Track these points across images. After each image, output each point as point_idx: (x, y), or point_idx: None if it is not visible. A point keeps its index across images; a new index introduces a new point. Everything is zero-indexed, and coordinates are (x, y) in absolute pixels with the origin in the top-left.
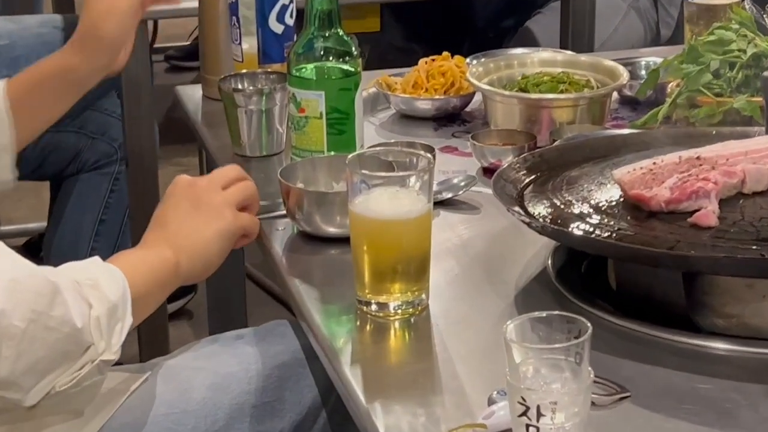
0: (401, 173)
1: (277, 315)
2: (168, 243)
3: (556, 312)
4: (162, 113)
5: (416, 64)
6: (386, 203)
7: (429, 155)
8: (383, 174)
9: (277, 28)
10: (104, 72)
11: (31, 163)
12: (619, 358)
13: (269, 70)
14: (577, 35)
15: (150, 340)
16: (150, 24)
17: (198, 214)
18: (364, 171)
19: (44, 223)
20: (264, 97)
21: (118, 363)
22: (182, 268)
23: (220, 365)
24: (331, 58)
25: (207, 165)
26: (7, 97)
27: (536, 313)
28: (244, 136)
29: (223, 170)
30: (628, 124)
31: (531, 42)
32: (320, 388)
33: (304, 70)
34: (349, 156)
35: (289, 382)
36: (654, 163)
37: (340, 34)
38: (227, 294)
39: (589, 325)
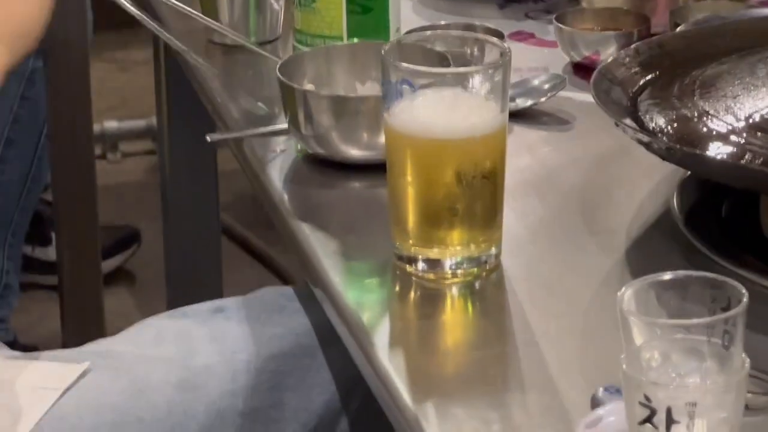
0: (461, 69)
1: (261, 284)
2: None
3: (695, 272)
4: None
5: None
6: (440, 113)
7: (502, 44)
8: (436, 70)
9: None
10: None
11: None
12: None
13: None
14: None
15: (77, 311)
16: None
17: None
18: (407, 65)
19: None
20: None
21: (33, 348)
22: None
23: (191, 353)
24: None
25: (165, 61)
26: None
27: (666, 275)
28: (224, 14)
29: None
30: None
31: None
32: (338, 385)
33: None
34: (386, 45)
35: (292, 378)
36: None
37: None
38: (194, 254)
39: (744, 291)
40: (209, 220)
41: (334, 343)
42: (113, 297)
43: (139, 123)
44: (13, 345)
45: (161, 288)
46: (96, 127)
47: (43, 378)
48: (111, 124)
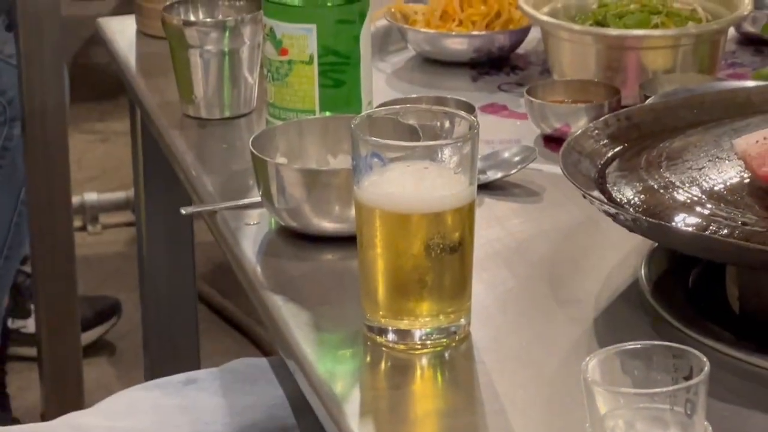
0: (430, 142)
1: (239, 353)
2: None
3: (659, 342)
4: (73, 55)
5: None
6: (409, 186)
7: (472, 117)
8: (404, 144)
9: None
10: None
11: None
12: (746, 409)
13: None
14: None
15: (57, 383)
16: None
17: None
18: (376, 139)
19: None
20: (227, 33)
21: (14, 420)
22: None
23: (165, 426)
24: None
25: (142, 131)
26: None
27: (630, 344)
28: (198, 89)
29: None
30: (751, 74)
31: None
32: None
33: None
34: (355, 118)
35: None
36: None
37: None
38: (171, 324)
39: (705, 360)
40: (186, 290)
41: (308, 414)
42: (93, 367)
43: (119, 195)
44: None
45: (140, 358)
46: (76, 199)
47: None
48: (91, 196)
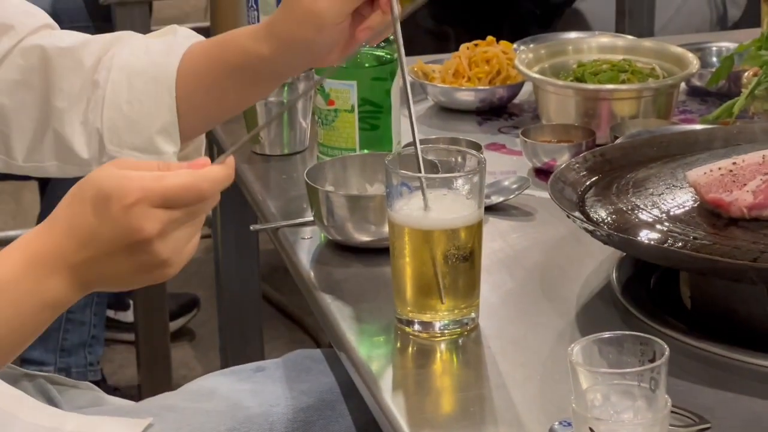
0: (448, 174)
1: (293, 339)
2: (75, 280)
3: (629, 332)
4: None
5: (447, 49)
6: (431, 209)
7: (479, 154)
8: (427, 176)
9: None
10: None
11: None
12: (697, 385)
13: None
14: (634, 17)
15: (149, 361)
16: None
17: (134, 270)
18: (404, 172)
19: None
20: (286, 88)
21: (115, 389)
22: (68, 299)
23: (238, 407)
24: (364, 44)
25: None
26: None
27: (606, 334)
28: (263, 132)
29: (184, 196)
30: (698, 119)
31: (581, 26)
32: (357, 430)
33: None
34: (389, 155)
35: (316, 427)
36: (734, 164)
37: None
38: (240, 315)
39: (665, 346)
40: (252, 288)
41: (352, 396)
42: (178, 349)
43: None
44: (100, 384)
45: (215, 342)
46: None
47: (114, 431)
48: None
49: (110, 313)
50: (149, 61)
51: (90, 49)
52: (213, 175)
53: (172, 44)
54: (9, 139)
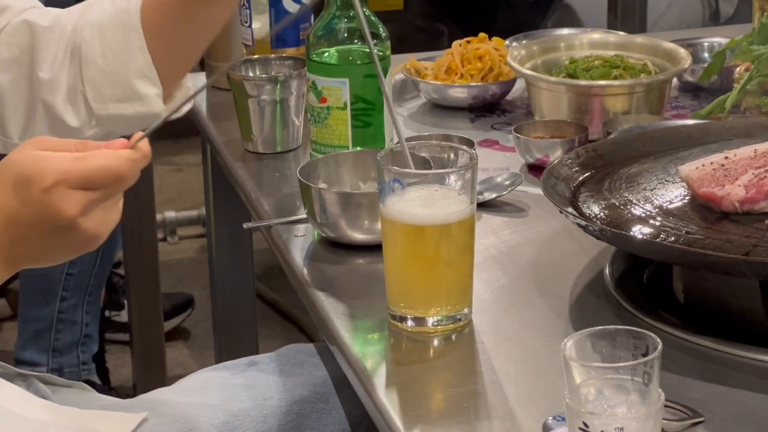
0: (440, 171)
1: (288, 337)
2: (1, 259)
3: (622, 327)
4: None
5: (440, 46)
6: (423, 205)
7: (471, 150)
8: (419, 171)
9: (292, 7)
10: None
11: None
12: (690, 379)
13: (283, 55)
14: (626, 13)
15: (144, 361)
16: None
17: (58, 245)
18: (397, 168)
19: None
20: (279, 86)
21: (111, 389)
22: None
23: (232, 401)
24: (355, 41)
25: (211, 163)
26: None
27: (599, 328)
28: (256, 130)
29: (103, 178)
30: (690, 114)
31: (572, 22)
32: (349, 422)
33: (325, 54)
34: (381, 152)
35: (310, 419)
36: (726, 158)
37: (366, 13)
38: (235, 314)
39: (658, 341)
40: (246, 287)
41: (345, 388)
42: (172, 349)
43: (192, 213)
44: (102, 379)
45: (210, 341)
46: (158, 217)
47: (109, 426)
48: (170, 214)
49: (105, 314)
50: (114, 10)
51: (69, 17)
52: (131, 155)
53: None
54: (4, 118)
